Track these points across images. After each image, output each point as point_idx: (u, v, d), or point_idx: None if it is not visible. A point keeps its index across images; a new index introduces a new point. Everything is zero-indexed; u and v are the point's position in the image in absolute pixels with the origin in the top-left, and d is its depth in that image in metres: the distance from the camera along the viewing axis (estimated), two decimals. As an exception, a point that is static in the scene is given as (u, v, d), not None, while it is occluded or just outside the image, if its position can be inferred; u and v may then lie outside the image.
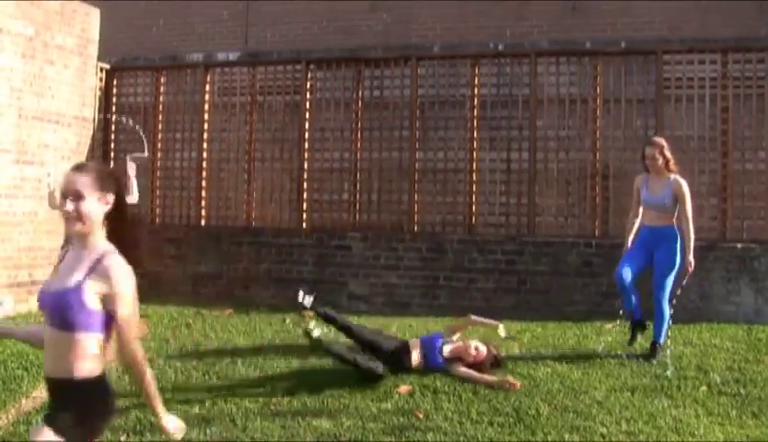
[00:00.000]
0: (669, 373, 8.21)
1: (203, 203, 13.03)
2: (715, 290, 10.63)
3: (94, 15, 12.83)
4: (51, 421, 3.99)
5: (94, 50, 12.85)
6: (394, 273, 11.85)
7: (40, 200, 11.66)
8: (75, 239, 4.06)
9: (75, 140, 12.41)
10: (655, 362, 8.51)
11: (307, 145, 12.62)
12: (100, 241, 4.03)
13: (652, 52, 11.43)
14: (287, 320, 10.73)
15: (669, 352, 8.72)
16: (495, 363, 8.13)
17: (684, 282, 8.77)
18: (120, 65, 13.66)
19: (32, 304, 11.64)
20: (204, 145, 13.05)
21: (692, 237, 8.53)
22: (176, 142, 13.32)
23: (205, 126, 13.09)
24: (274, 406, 7.53)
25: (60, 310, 3.92)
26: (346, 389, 7.89)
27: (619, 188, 11.27)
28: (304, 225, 12.52)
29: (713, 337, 9.46)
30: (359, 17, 17.03)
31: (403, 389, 7.81)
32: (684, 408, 7.35)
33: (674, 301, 8.66)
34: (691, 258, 8.51)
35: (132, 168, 10.74)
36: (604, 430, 6.80)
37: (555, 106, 11.84)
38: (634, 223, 8.96)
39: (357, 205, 12.47)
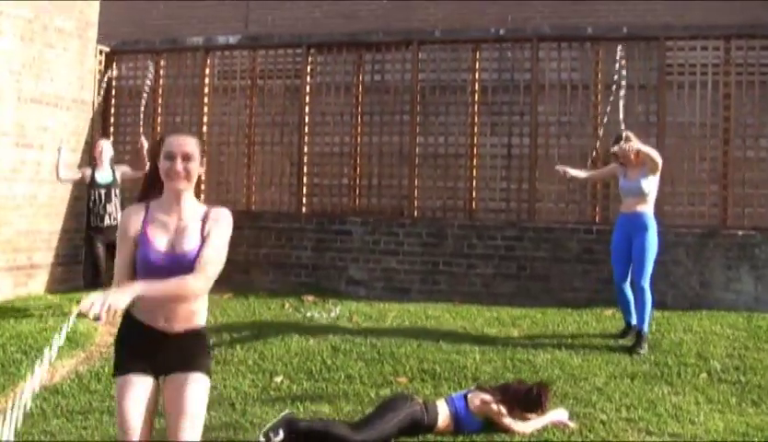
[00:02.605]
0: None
1: (202, 187, 12.97)
2: (715, 278, 10.60)
3: (94, -2, 12.80)
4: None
5: (93, 33, 12.80)
6: (394, 258, 11.82)
7: (39, 183, 11.64)
8: (168, 197, 4.39)
9: (74, 123, 12.37)
10: (642, 353, 8.45)
11: (307, 130, 12.58)
12: (193, 198, 4.50)
13: (654, 39, 11.38)
14: (286, 305, 10.72)
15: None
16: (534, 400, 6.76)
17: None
18: (119, 48, 13.58)
19: (32, 287, 11.64)
20: (204, 129, 13.00)
21: (649, 149, 8.79)
22: (176, 125, 13.27)
23: (205, 110, 13.04)
24: (273, 391, 7.54)
25: (185, 269, 4.23)
26: (345, 375, 7.89)
27: (620, 174, 11.24)
28: (304, 209, 12.49)
29: (713, 324, 9.45)
30: (360, 2, 16.97)
31: (403, 378, 7.82)
32: (684, 395, 7.35)
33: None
34: (630, 146, 8.70)
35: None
36: (604, 417, 6.81)
37: (557, 92, 11.80)
38: (584, 174, 9.65)
39: (357, 190, 12.43)
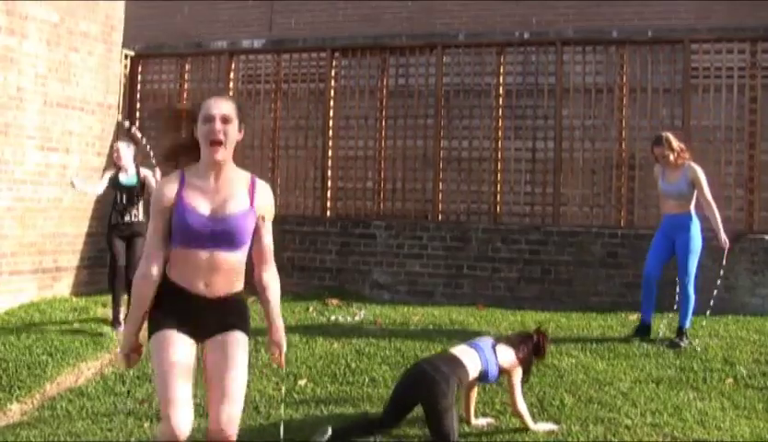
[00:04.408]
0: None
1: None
2: (741, 282, 10.54)
3: (118, 2, 12.84)
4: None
5: (118, 37, 12.86)
6: (418, 261, 11.81)
7: (64, 187, 11.70)
8: (206, 163, 4.37)
9: (99, 127, 12.43)
10: (682, 346, 8.57)
11: (331, 133, 12.58)
12: (231, 162, 4.42)
13: (679, 41, 11.32)
14: (311, 308, 10.73)
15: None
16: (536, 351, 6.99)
17: (725, 261, 9.07)
18: (144, 52, 13.64)
19: (57, 290, 11.71)
20: (229, 133, 13.00)
21: (718, 217, 8.80)
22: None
23: (230, 114, 13.04)
24: (297, 394, 7.54)
25: (230, 233, 4.30)
26: (369, 378, 7.89)
27: (644, 178, 11.18)
28: (328, 213, 12.50)
29: (739, 329, 9.38)
30: (384, 5, 16.98)
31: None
32: (710, 401, 7.30)
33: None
34: (722, 236, 8.76)
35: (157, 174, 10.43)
36: (629, 422, 6.77)
37: (581, 95, 11.75)
38: None
39: (381, 193, 12.43)
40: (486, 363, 6.46)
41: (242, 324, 4.48)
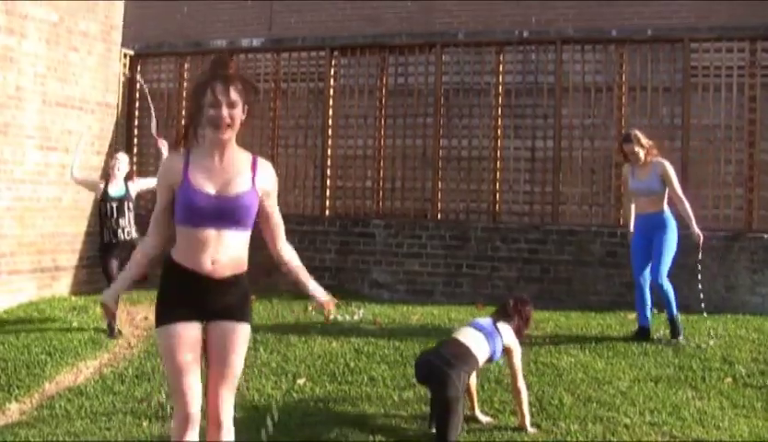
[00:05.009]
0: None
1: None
2: (740, 281, 10.53)
3: (118, 1, 12.83)
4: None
5: (118, 36, 12.85)
6: (417, 260, 11.81)
7: (64, 186, 11.69)
8: (211, 144, 4.44)
9: (98, 126, 12.43)
10: (680, 338, 8.66)
11: (330, 132, 12.58)
12: (234, 142, 4.50)
13: (679, 40, 11.32)
14: (310, 308, 10.70)
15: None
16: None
17: (700, 255, 9.22)
18: (144, 52, 13.65)
19: (56, 289, 11.70)
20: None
21: (689, 211, 8.82)
22: (199, 128, 13.26)
23: (229, 112, 13.04)
24: (296, 393, 7.53)
25: (235, 212, 4.41)
26: (368, 377, 7.88)
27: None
28: (327, 212, 12.49)
29: (738, 328, 9.37)
30: (384, 4, 16.98)
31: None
32: (709, 400, 7.29)
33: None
34: (696, 230, 8.79)
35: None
36: (628, 421, 6.77)
37: (581, 94, 11.75)
38: (630, 208, 9.26)
39: (381, 193, 12.42)
40: (494, 345, 6.49)
41: (245, 312, 4.61)
